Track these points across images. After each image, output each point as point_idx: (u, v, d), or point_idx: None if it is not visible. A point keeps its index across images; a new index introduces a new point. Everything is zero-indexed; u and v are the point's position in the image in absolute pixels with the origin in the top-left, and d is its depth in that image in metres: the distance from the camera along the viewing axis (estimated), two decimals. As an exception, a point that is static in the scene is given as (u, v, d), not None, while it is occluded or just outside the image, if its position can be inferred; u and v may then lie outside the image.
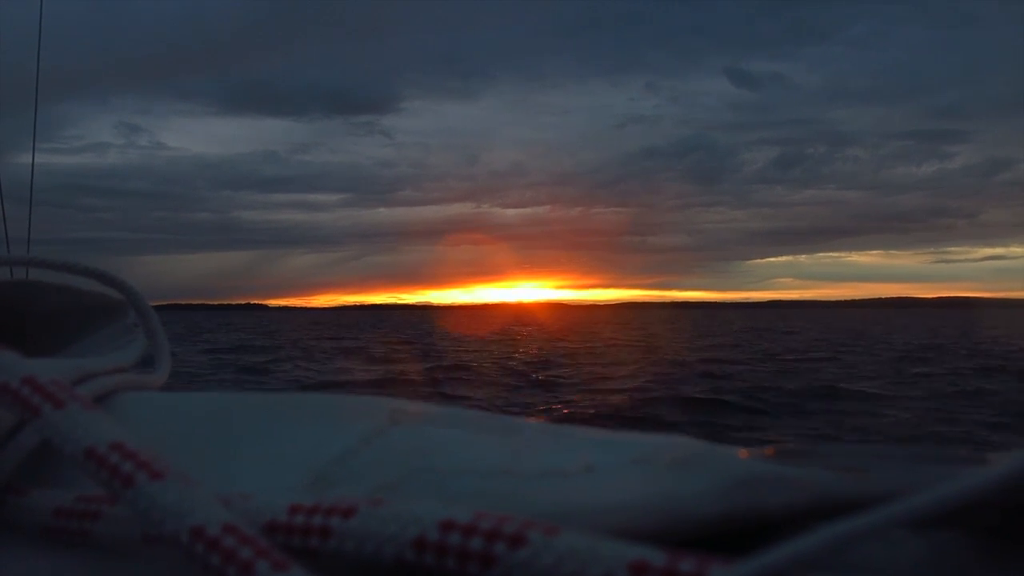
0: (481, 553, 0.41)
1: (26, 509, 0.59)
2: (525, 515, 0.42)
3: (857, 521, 0.36)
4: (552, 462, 0.53)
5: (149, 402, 0.77)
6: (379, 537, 0.44)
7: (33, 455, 0.64)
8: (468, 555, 0.41)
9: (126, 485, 0.49)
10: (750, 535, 0.42)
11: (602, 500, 0.47)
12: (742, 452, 0.50)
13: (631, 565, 0.37)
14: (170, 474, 0.49)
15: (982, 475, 0.37)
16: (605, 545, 0.39)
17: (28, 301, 1.03)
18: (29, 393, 0.56)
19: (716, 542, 0.43)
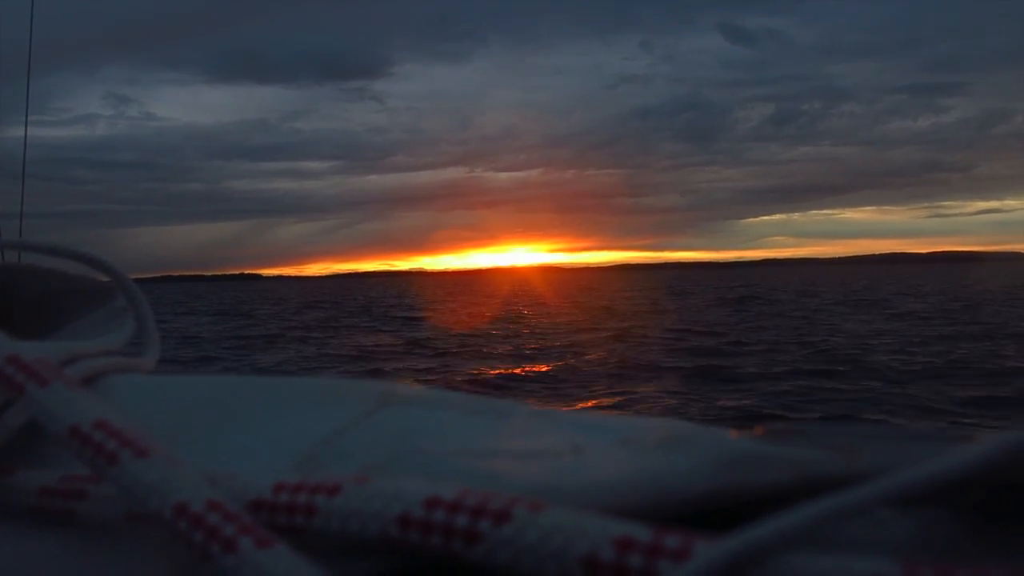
0: (466, 530, 0.41)
1: (11, 489, 0.59)
2: (512, 494, 0.42)
3: (842, 497, 0.37)
4: (540, 443, 0.53)
5: (137, 384, 0.76)
6: (364, 514, 0.44)
7: (19, 435, 0.64)
8: (453, 532, 0.41)
9: (110, 463, 0.49)
10: (738, 514, 0.42)
11: (589, 479, 0.47)
12: (731, 432, 0.51)
13: (616, 541, 0.38)
14: (154, 452, 0.49)
15: (969, 453, 0.37)
16: (590, 521, 0.39)
17: (16, 285, 1.02)
18: (14, 372, 0.56)
19: (704, 521, 0.43)
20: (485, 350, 17.45)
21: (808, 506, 0.36)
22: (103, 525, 0.54)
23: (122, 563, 0.52)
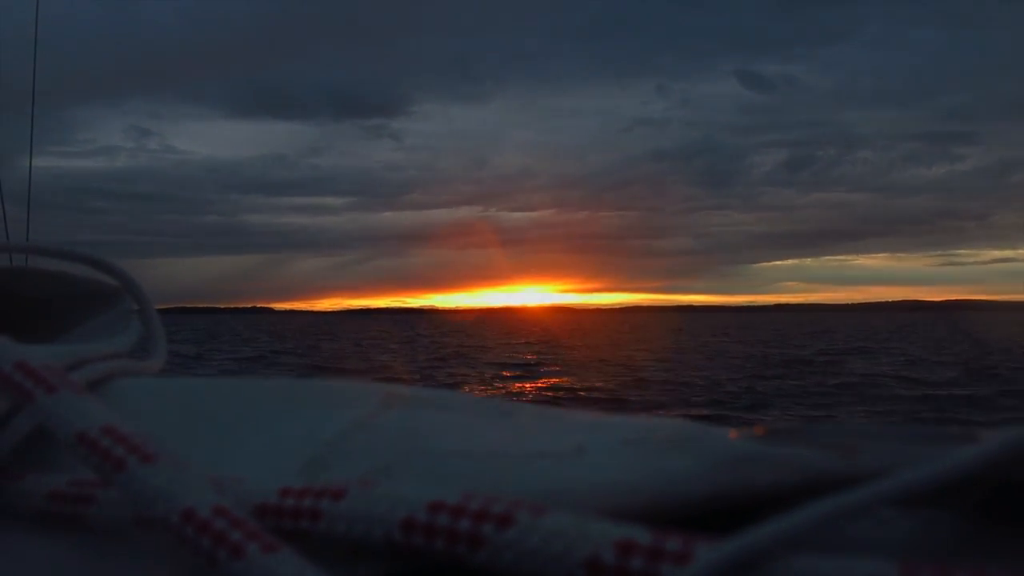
0: (469, 534, 0.41)
1: (20, 494, 0.60)
2: (515, 496, 0.43)
3: (844, 498, 0.37)
4: (543, 444, 0.54)
5: (144, 388, 0.78)
6: (368, 519, 0.45)
7: (27, 440, 0.65)
8: (456, 536, 0.42)
9: (117, 469, 0.50)
10: (740, 514, 0.43)
11: (592, 480, 0.48)
12: (731, 432, 0.51)
13: (617, 544, 0.38)
14: (161, 457, 0.50)
15: (969, 453, 0.37)
16: (591, 524, 0.40)
17: (24, 288, 1.04)
18: (22, 378, 0.57)
19: (706, 521, 0.43)
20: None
21: (809, 507, 0.37)
22: (111, 530, 0.55)
23: (130, 567, 0.52)
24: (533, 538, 0.40)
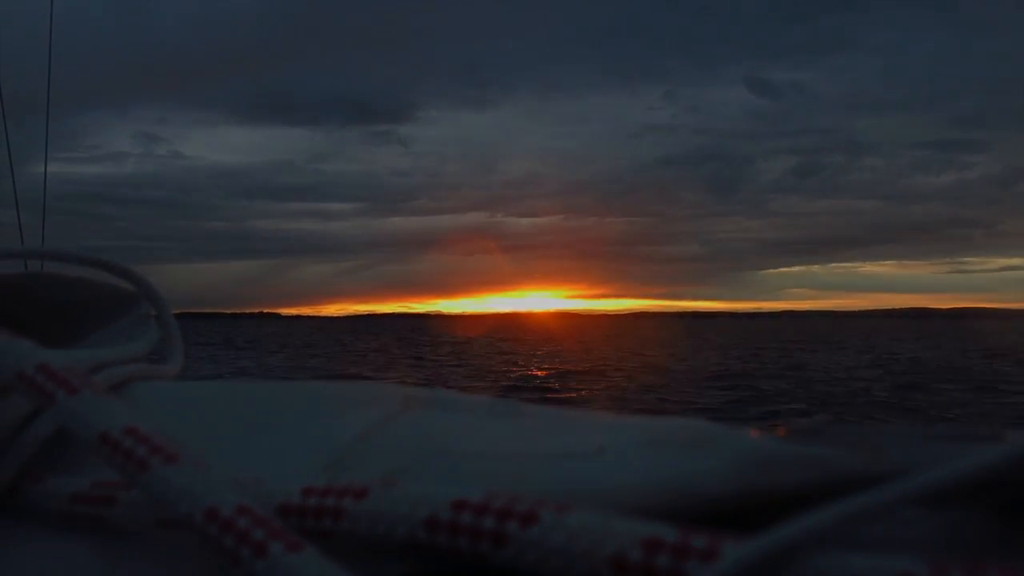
0: (493, 532, 0.41)
1: (43, 496, 0.60)
2: (537, 495, 0.43)
3: (870, 497, 0.36)
4: (564, 445, 0.54)
5: (163, 391, 0.78)
6: (391, 517, 0.44)
7: (49, 442, 0.65)
8: (480, 534, 0.42)
9: (140, 469, 0.50)
10: (763, 514, 0.42)
11: (614, 480, 0.48)
12: (754, 432, 0.51)
13: (644, 541, 0.38)
14: (184, 458, 0.50)
15: (995, 452, 0.37)
16: (617, 522, 0.39)
17: (42, 293, 1.03)
18: (44, 380, 0.57)
19: (730, 521, 0.43)
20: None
21: (835, 506, 0.36)
22: (133, 531, 0.55)
23: (152, 568, 0.52)
24: (558, 536, 0.40)
